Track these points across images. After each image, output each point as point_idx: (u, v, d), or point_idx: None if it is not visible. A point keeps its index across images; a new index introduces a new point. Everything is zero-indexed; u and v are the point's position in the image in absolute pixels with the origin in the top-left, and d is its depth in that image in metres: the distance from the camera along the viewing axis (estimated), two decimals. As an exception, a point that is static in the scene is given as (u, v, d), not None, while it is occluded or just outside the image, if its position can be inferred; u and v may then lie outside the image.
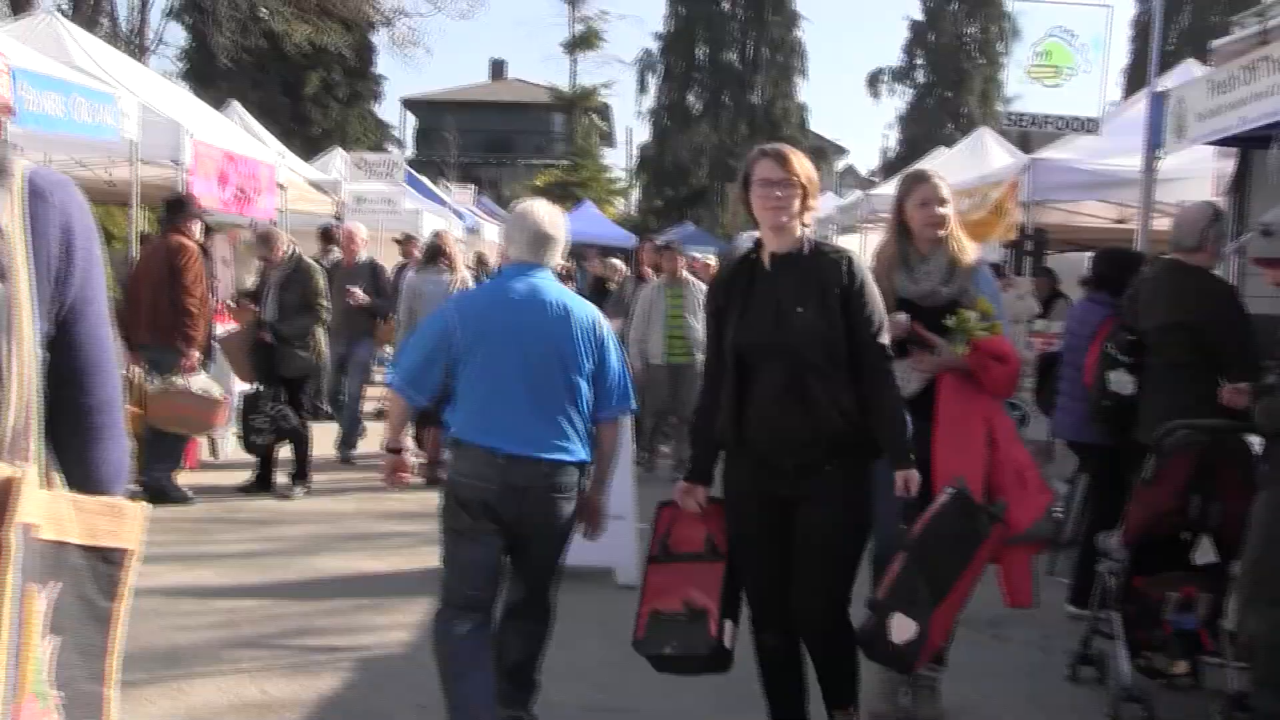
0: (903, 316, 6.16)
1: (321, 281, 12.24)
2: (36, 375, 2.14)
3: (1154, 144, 9.09)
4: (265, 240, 12.43)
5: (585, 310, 5.79)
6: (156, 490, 11.04)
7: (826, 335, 5.32)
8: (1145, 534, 6.55)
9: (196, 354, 11.21)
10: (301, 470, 12.25)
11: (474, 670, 5.62)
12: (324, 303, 12.17)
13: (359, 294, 14.22)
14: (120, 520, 2.20)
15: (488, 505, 5.51)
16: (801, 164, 5.42)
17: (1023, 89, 10.87)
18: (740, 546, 5.65)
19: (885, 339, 5.46)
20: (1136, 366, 7.68)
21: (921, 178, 6.53)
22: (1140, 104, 12.85)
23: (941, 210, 6.35)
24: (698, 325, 12.96)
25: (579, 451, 5.64)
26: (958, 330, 6.18)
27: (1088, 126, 10.89)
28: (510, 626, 5.86)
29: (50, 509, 2.06)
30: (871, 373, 5.40)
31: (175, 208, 11.66)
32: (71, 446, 2.30)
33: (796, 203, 5.39)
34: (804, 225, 5.49)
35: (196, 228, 11.69)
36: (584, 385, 5.66)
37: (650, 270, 15.46)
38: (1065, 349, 8.91)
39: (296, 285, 11.98)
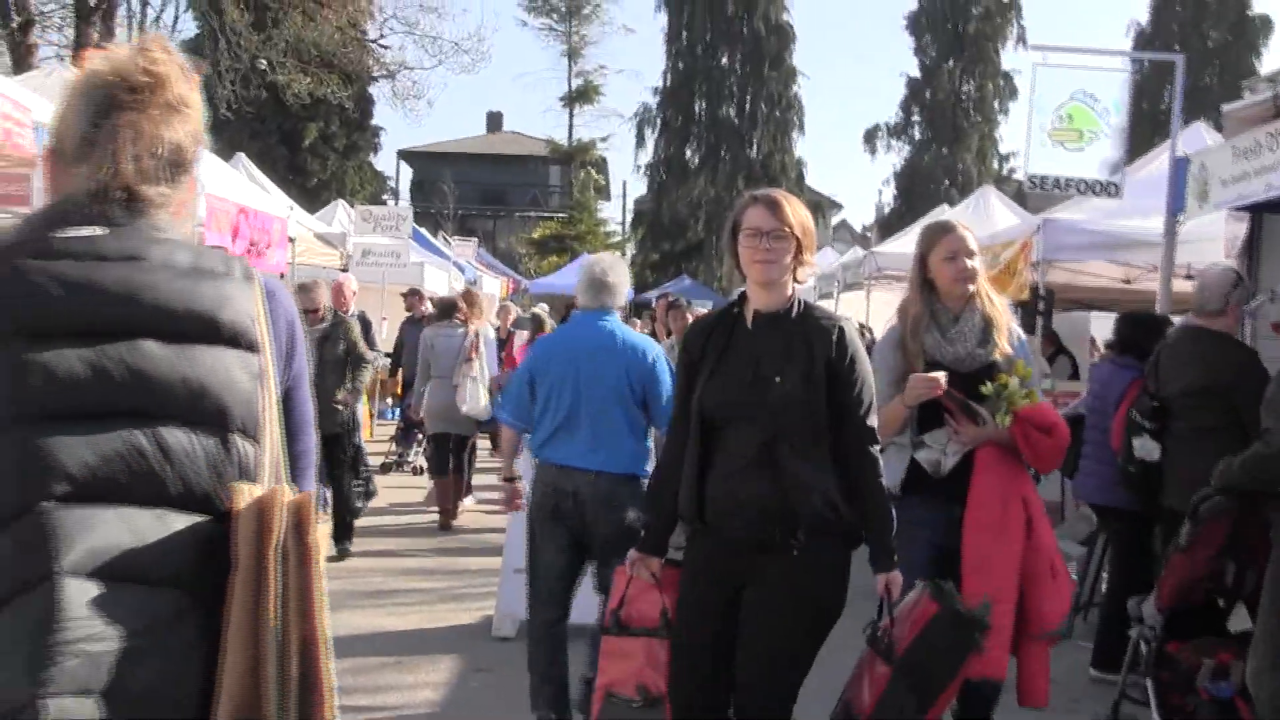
0: (940, 375, 5.67)
1: (358, 330, 12.13)
2: (280, 426, 2.68)
3: (1175, 208, 9.11)
4: (308, 292, 12.03)
5: (639, 344, 6.88)
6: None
7: (807, 407, 4.78)
8: (1180, 600, 6.53)
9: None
10: (348, 529, 12.01)
11: (557, 651, 6.89)
12: (366, 352, 12.11)
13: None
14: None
15: (557, 509, 6.76)
16: (796, 212, 4.91)
17: (1036, 151, 10.85)
18: (681, 626, 5.11)
19: (874, 421, 4.93)
20: (1161, 432, 7.69)
21: (947, 228, 6.05)
22: (1149, 166, 12.94)
23: (971, 263, 5.87)
24: None
25: (630, 466, 6.76)
26: (999, 398, 5.69)
27: (1110, 190, 10.91)
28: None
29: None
30: (857, 457, 4.86)
31: None
32: (292, 463, 2.91)
33: (788, 257, 4.88)
34: (796, 282, 4.98)
35: None
36: (637, 410, 6.80)
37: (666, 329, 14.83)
38: (1089, 411, 8.91)
39: (338, 339, 11.81)
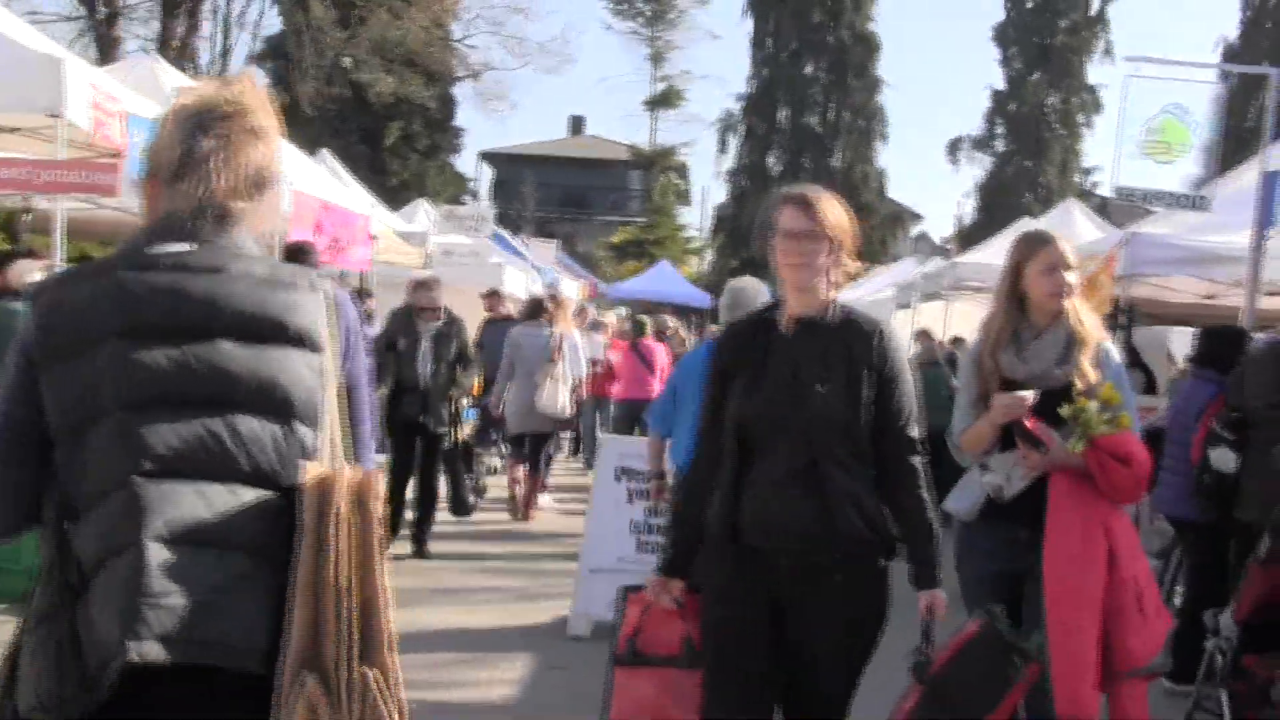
0: (1028, 394, 5.37)
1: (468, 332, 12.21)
2: (337, 412, 3.13)
3: (1266, 223, 9.05)
4: (428, 289, 12.00)
5: None
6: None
7: (849, 420, 4.54)
8: (1258, 613, 6.49)
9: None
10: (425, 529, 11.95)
11: None
12: (472, 355, 12.19)
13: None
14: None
15: None
16: (831, 212, 4.65)
17: (1126, 164, 10.80)
18: (716, 644, 4.71)
19: (915, 430, 4.67)
20: (1240, 444, 7.66)
21: (1046, 239, 5.70)
22: (1237, 181, 12.83)
23: (1069, 277, 5.51)
24: None
25: None
26: (1076, 423, 5.30)
27: (1198, 204, 10.84)
28: None
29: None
30: (899, 471, 4.63)
31: (293, 257, 11.73)
32: (355, 447, 3.23)
33: (823, 258, 4.61)
34: (833, 285, 4.71)
35: None
36: None
37: None
38: (1170, 425, 8.86)
39: (453, 338, 11.80)
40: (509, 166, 69.67)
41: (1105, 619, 5.25)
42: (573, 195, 70.31)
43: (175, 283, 2.97)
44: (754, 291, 7.76)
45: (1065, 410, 5.28)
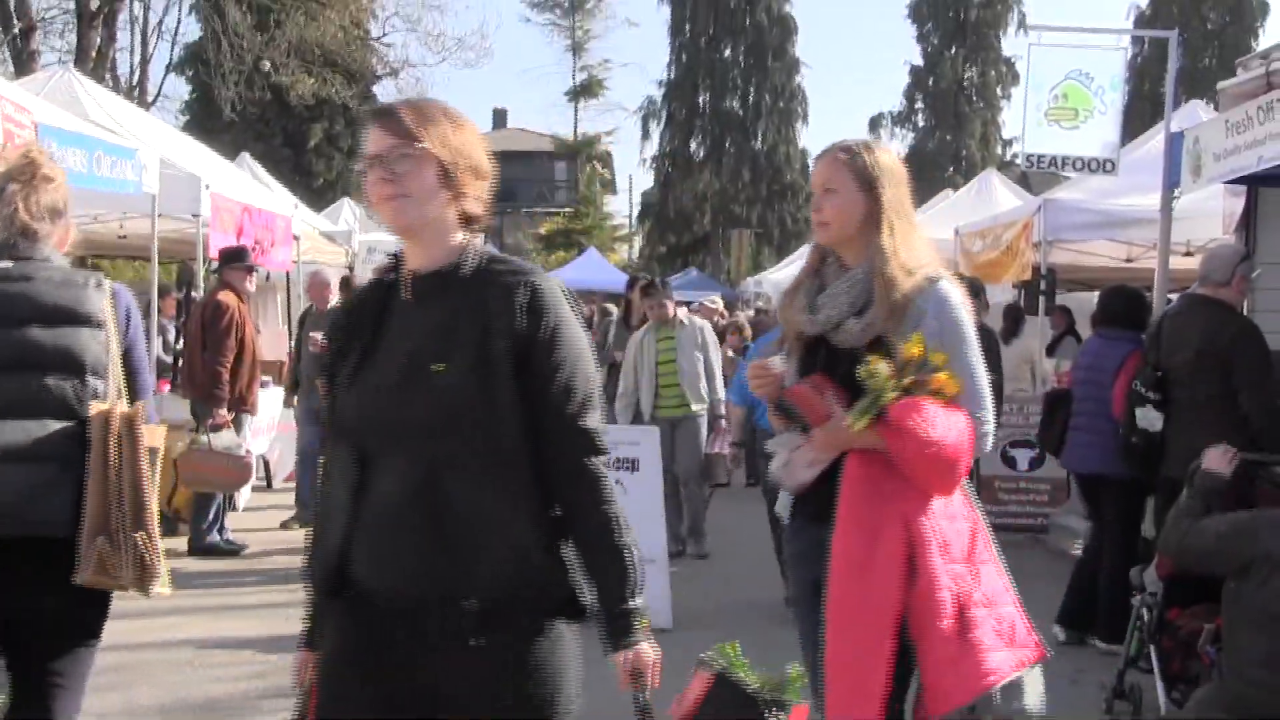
0: (774, 360, 4.50)
1: None
2: (119, 369, 4.55)
3: (1171, 183, 9.18)
4: (349, 288, 11.86)
5: None
6: (205, 549, 11.23)
7: (482, 411, 3.18)
8: (1180, 567, 6.59)
9: (224, 413, 11.24)
10: None
11: None
12: None
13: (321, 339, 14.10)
14: (153, 434, 4.51)
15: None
16: (430, 121, 3.29)
17: (1032, 131, 10.93)
18: None
19: (594, 419, 3.32)
20: (1164, 402, 7.77)
21: (820, 155, 4.58)
22: (1147, 144, 13.03)
23: (827, 203, 4.40)
24: (695, 368, 11.68)
25: None
26: (869, 388, 4.13)
27: (1105, 167, 10.98)
28: None
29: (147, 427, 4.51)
30: (569, 479, 3.28)
31: (228, 259, 11.74)
32: (132, 392, 4.64)
33: (428, 183, 3.26)
34: (464, 223, 3.38)
35: (250, 281, 11.80)
36: None
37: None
38: (1080, 383, 8.99)
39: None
40: (433, 162, 69.30)
41: (915, 643, 4.08)
42: (499, 188, 69.91)
43: (1, 290, 4.40)
44: None
45: (861, 372, 4.13)
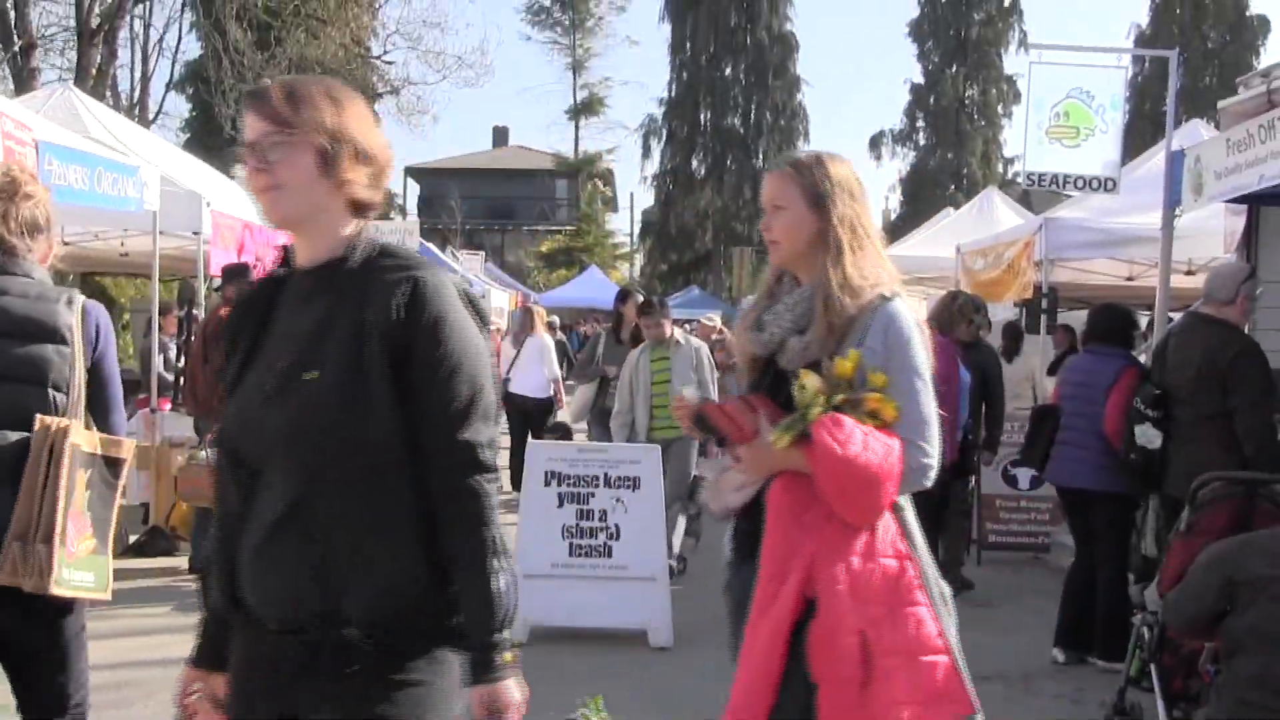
0: (689, 391, 4.39)
1: None
2: (84, 385, 4.70)
3: (1172, 202, 9.17)
4: None
5: None
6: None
7: (355, 421, 2.92)
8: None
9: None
10: None
11: None
12: None
13: None
14: (119, 446, 4.84)
15: None
16: (303, 103, 2.98)
17: (1033, 149, 10.92)
18: None
19: (481, 432, 2.99)
20: (1164, 420, 7.76)
21: (770, 169, 4.27)
22: (1148, 163, 13.02)
23: (778, 220, 4.12)
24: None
25: None
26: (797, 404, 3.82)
27: (1106, 186, 10.98)
28: None
29: (86, 438, 4.67)
30: (447, 499, 2.96)
31: (231, 275, 11.70)
32: (98, 415, 4.84)
33: (304, 169, 2.97)
34: (355, 210, 3.07)
35: None
36: None
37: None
38: (1069, 399, 8.99)
39: None
40: (435, 181, 69.46)
41: (818, 690, 3.67)
42: (500, 206, 70.22)
43: None
44: None
45: (795, 389, 3.84)
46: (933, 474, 3.86)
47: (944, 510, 10.76)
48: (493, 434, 3.03)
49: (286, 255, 3.17)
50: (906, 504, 3.89)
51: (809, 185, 4.05)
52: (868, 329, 3.86)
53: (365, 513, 2.92)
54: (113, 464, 4.83)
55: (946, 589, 3.88)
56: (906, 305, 3.99)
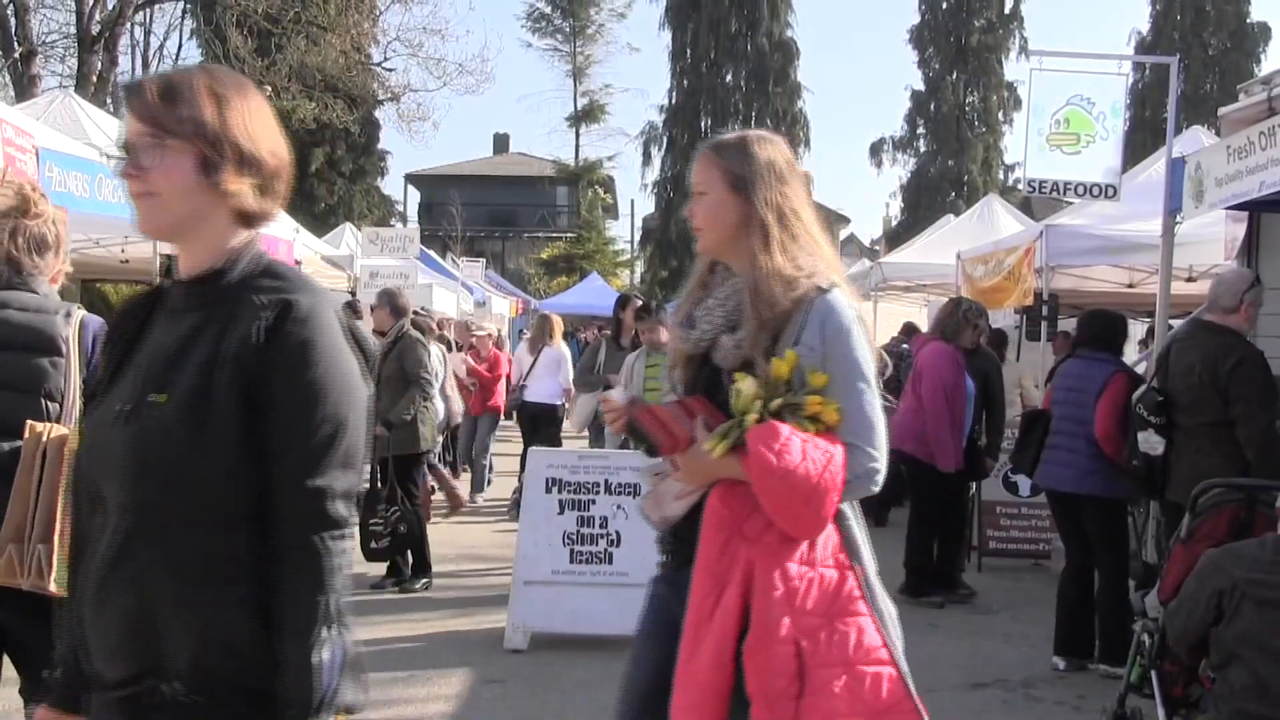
0: (614, 393, 4.21)
1: (424, 353, 11.23)
2: (78, 395, 4.70)
3: (1173, 209, 9.18)
4: (390, 301, 11.57)
5: None
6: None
7: (189, 456, 2.57)
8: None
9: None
10: (421, 562, 11.27)
11: None
12: (427, 375, 11.14)
13: None
14: None
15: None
16: (180, 101, 2.66)
17: (1034, 156, 10.91)
18: None
19: (327, 479, 2.59)
20: (1166, 427, 7.77)
21: (695, 154, 4.02)
22: (1149, 170, 13.02)
23: (700, 207, 3.90)
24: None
25: None
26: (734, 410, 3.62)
27: (1107, 193, 10.97)
28: None
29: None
30: (284, 554, 2.59)
31: None
32: None
33: (177, 179, 2.65)
34: (246, 222, 2.79)
35: None
36: None
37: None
38: (1059, 404, 9.01)
39: (399, 358, 11.03)
40: (435, 187, 69.44)
41: (751, 703, 3.50)
42: (500, 213, 70.23)
43: None
44: None
45: (732, 394, 3.64)
46: (880, 479, 3.65)
47: (950, 516, 10.79)
48: (351, 483, 2.65)
49: (169, 266, 2.87)
50: (850, 513, 3.69)
51: (729, 167, 3.84)
52: (804, 325, 3.62)
53: (193, 565, 2.57)
54: None
55: (893, 608, 3.67)
56: (847, 296, 3.74)
